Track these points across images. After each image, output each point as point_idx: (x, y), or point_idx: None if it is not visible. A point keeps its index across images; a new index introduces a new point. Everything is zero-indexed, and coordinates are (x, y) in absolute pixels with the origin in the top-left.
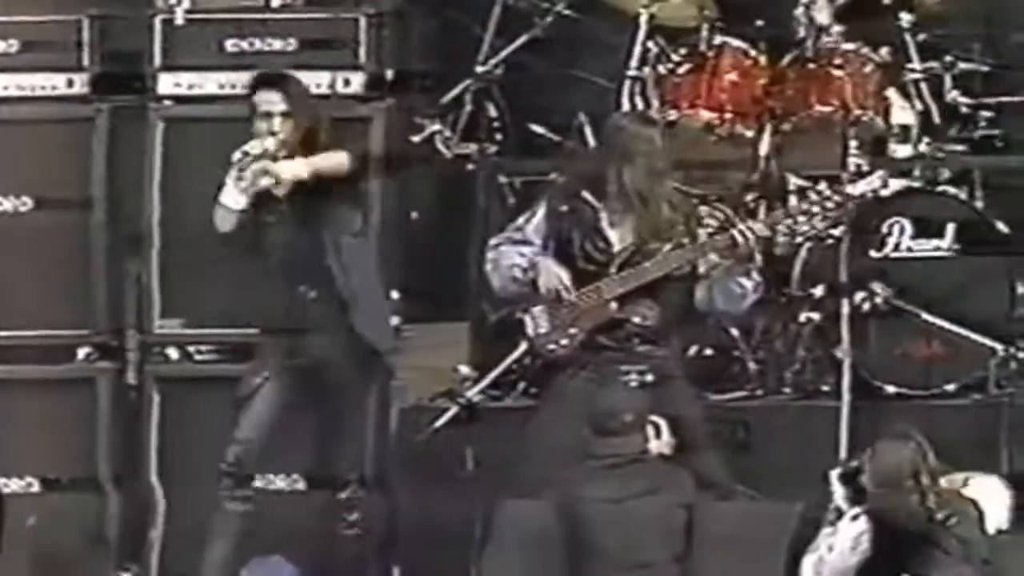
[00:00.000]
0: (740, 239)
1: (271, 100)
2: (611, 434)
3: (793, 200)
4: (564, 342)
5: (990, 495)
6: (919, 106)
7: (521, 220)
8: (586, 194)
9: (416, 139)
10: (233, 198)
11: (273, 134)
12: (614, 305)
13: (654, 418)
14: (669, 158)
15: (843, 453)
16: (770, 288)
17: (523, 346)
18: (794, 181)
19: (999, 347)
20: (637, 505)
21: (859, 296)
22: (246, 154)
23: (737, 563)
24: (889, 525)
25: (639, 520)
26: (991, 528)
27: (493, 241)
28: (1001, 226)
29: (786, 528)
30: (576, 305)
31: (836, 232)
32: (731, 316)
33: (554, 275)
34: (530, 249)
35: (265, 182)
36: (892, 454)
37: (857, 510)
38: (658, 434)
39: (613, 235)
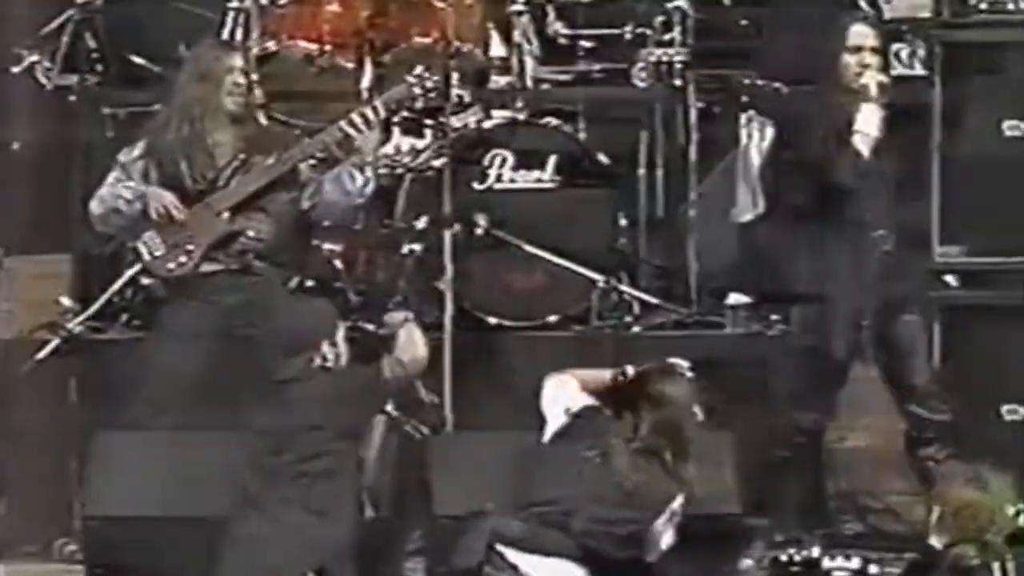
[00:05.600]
0: (351, 130)
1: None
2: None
3: (397, 130)
4: (183, 260)
5: None
6: (519, 38)
7: (122, 156)
8: (189, 119)
9: (16, 70)
10: None
11: None
12: (226, 215)
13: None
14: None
15: (447, 383)
16: (372, 219)
17: (131, 272)
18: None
19: (600, 278)
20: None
21: (460, 227)
22: None
23: None
24: None
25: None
26: None
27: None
28: (602, 158)
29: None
30: (188, 223)
31: (438, 164)
32: (335, 210)
33: (163, 197)
34: (134, 183)
35: None
36: None
37: None
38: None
39: (217, 152)
